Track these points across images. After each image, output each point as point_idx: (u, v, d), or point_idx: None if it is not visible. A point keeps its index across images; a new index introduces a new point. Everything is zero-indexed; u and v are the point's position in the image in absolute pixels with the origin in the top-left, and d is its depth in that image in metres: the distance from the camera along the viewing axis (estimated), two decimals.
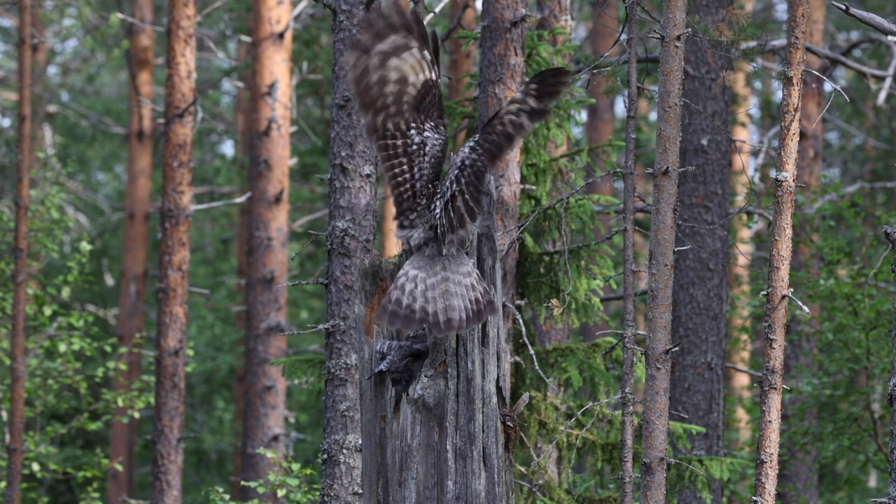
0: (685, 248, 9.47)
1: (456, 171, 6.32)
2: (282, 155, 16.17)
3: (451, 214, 6.31)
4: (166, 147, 14.29)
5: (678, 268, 12.11)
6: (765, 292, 7.80)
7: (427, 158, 6.45)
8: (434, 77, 6.42)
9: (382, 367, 6.32)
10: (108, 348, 14.89)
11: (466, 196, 6.29)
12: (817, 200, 15.01)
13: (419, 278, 6.28)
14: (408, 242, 6.40)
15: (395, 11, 6.29)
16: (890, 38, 8.38)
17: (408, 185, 6.44)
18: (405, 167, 6.43)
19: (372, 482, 6.37)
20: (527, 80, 6.48)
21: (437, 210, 6.37)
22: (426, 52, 6.35)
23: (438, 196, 6.39)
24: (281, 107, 16.12)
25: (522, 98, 6.22)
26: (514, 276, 10.05)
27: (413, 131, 6.43)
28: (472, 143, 6.33)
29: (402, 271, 6.31)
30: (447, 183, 6.35)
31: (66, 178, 21.80)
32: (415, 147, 6.43)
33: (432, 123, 6.47)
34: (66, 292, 14.86)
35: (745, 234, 20.54)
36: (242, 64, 20.77)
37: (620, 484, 8.81)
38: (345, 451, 9.30)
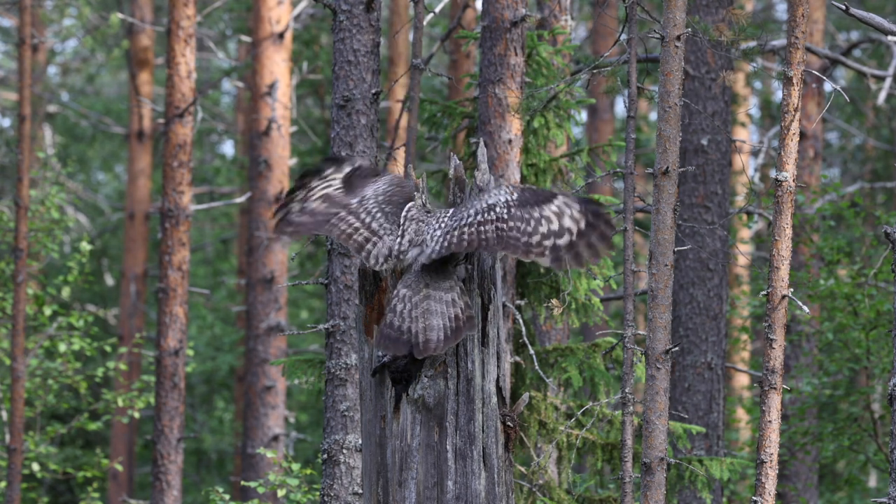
0: (685, 248, 9.48)
1: (484, 206, 6.21)
2: (282, 155, 16.17)
3: (451, 240, 6.22)
4: (166, 147, 14.29)
5: (678, 268, 12.11)
6: (765, 292, 7.80)
7: (371, 203, 6.45)
8: (344, 176, 6.53)
9: (386, 359, 6.32)
10: (108, 348, 14.89)
11: (483, 233, 6.18)
12: (817, 200, 15.01)
13: (407, 297, 6.24)
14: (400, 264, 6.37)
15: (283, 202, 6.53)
16: (890, 38, 8.38)
17: (362, 231, 6.42)
18: (355, 222, 6.44)
19: (372, 482, 6.38)
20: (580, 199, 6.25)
21: (437, 233, 6.27)
22: (317, 179, 6.51)
23: (443, 216, 6.30)
24: (281, 107, 16.13)
25: (578, 224, 6.08)
26: (514, 276, 10.05)
27: (353, 201, 6.48)
28: (512, 198, 6.20)
29: (395, 292, 6.29)
30: (465, 214, 6.24)
31: (66, 178, 21.80)
32: (354, 205, 6.46)
33: (371, 182, 6.52)
34: (66, 292, 14.86)
35: (745, 234, 20.54)
36: (242, 64, 20.78)
37: (620, 484, 8.81)
38: (345, 451, 9.30)
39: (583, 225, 6.18)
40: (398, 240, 6.35)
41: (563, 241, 6.15)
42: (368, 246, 6.35)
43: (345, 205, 6.48)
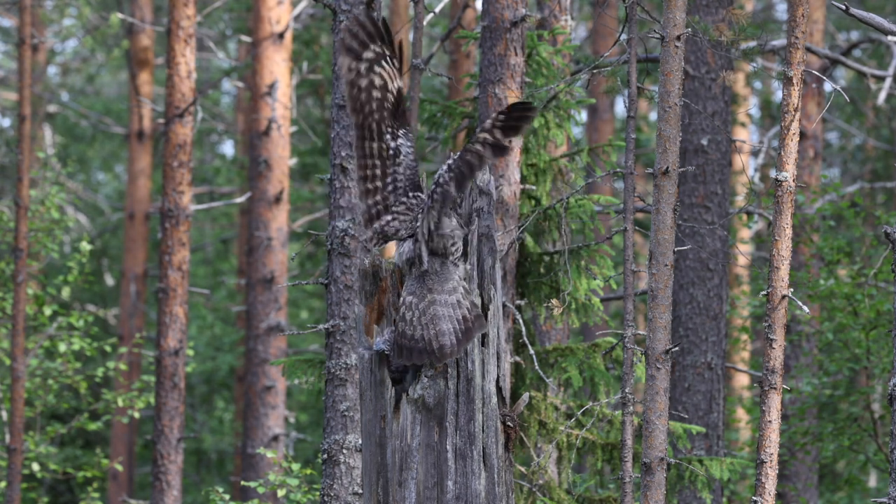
0: (685, 248, 9.48)
1: (433, 187, 6.33)
2: (282, 155, 16.17)
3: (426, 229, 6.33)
4: (166, 147, 14.29)
5: (678, 268, 12.11)
6: (765, 292, 7.80)
7: (402, 168, 6.49)
8: (400, 87, 6.55)
9: (384, 347, 6.32)
10: (108, 348, 14.89)
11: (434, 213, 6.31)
12: (817, 200, 15.01)
13: (413, 305, 6.26)
14: (400, 259, 6.40)
15: (369, 22, 6.44)
16: (890, 38, 8.38)
17: (379, 193, 6.46)
18: (377, 170, 6.48)
19: (372, 482, 6.38)
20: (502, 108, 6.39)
21: (419, 224, 6.36)
22: (396, 62, 6.50)
23: (422, 212, 6.39)
24: (281, 107, 16.12)
25: (490, 128, 6.15)
26: (514, 276, 10.05)
27: (388, 136, 6.51)
28: (449, 162, 6.34)
29: (401, 300, 6.31)
30: (426, 198, 6.36)
31: (66, 178, 21.80)
32: (390, 152, 6.50)
33: (404, 130, 6.56)
34: (66, 292, 14.86)
35: (745, 234, 20.54)
36: (242, 64, 20.77)
37: (620, 484, 8.81)
38: (345, 451, 9.30)
39: (499, 116, 6.18)
40: (384, 215, 6.43)
41: (496, 124, 6.16)
42: (378, 221, 6.45)
43: (385, 147, 6.54)
